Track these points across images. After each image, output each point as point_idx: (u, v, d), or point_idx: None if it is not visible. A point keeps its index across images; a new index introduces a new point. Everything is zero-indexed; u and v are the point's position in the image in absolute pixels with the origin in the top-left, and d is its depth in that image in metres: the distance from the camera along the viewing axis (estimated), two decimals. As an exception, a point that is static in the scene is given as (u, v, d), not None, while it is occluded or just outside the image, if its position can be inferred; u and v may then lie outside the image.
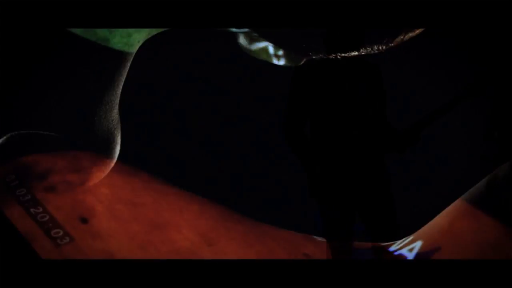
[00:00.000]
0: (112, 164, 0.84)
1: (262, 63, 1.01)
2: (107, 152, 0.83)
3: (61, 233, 0.65)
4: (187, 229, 0.70)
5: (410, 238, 0.72)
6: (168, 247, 0.67)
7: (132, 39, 0.82)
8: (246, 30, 0.85)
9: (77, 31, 0.78)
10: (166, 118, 1.45)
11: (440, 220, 0.71)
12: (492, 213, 0.67)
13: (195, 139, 1.47)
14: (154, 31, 0.86)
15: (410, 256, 0.69)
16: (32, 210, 0.67)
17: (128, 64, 0.86)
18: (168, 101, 1.48)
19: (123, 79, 0.88)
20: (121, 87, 0.87)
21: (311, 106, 1.19)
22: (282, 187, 1.47)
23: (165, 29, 0.91)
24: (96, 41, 0.79)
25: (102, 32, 0.78)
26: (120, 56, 0.81)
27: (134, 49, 0.85)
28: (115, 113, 0.86)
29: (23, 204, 0.66)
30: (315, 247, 0.79)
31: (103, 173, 0.76)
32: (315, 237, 0.95)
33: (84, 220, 0.67)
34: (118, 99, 0.88)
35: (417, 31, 0.82)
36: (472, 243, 0.66)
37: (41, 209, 0.66)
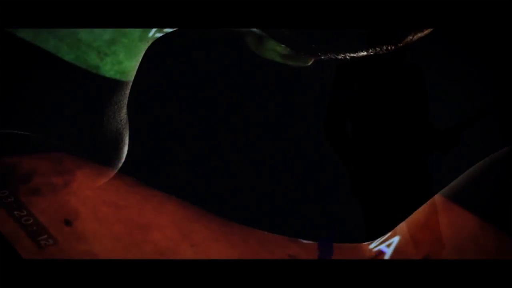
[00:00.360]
0: (120, 165, 0.83)
1: (270, 63, 1.00)
2: (115, 153, 0.82)
3: (45, 235, 0.65)
4: (170, 230, 0.71)
5: (389, 234, 0.72)
6: (151, 248, 0.67)
7: (123, 67, 0.79)
8: (254, 30, 0.84)
9: (68, 57, 0.77)
10: (157, 121, 1.44)
11: (417, 215, 0.72)
12: (468, 207, 0.68)
13: (187, 143, 1.47)
14: (140, 57, 0.84)
15: (388, 251, 0.69)
16: (16, 213, 0.67)
17: (125, 93, 0.84)
18: (162, 103, 1.48)
19: (123, 104, 0.86)
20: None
21: (351, 105, 1.20)
22: (271, 192, 1.47)
23: (164, 32, 0.89)
24: (87, 69, 0.77)
25: (92, 59, 0.77)
26: (113, 84, 0.80)
27: (128, 78, 0.83)
28: (123, 113, 0.85)
29: (6, 206, 0.66)
30: (300, 248, 0.80)
31: (96, 177, 0.75)
32: (300, 239, 0.95)
33: (68, 222, 0.67)
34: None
35: (426, 31, 0.82)
36: (449, 237, 0.66)
37: (25, 212, 0.67)
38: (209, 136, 1.46)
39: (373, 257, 0.70)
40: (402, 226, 0.72)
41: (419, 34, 0.82)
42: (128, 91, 0.86)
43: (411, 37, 0.82)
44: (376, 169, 1.12)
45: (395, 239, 0.69)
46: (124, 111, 0.88)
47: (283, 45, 0.84)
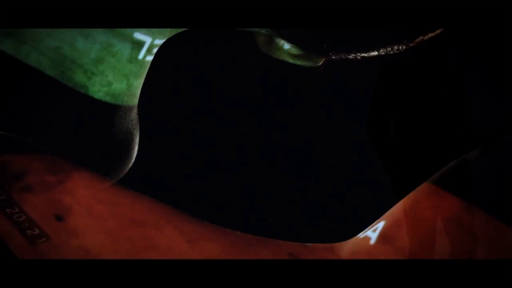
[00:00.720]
0: (130, 165, 0.82)
1: (281, 63, 0.99)
2: (126, 153, 0.80)
3: (37, 231, 0.65)
4: (167, 228, 0.70)
5: (376, 221, 0.72)
6: (145, 243, 0.66)
7: (112, 89, 0.75)
8: (265, 30, 0.83)
9: (51, 72, 0.71)
10: (160, 123, 1.42)
11: (404, 201, 0.71)
12: (453, 191, 0.68)
13: (191, 147, 1.46)
14: (133, 81, 0.80)
15: (374, 236, 0.69)
16: (8, 210, 0.66)
17: (121, 118, 0.81)
18: (168, 103, 1.46)
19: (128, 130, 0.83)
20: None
21: (394, 106, 1.19)
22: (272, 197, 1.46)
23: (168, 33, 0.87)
24: (74, 87, 0.73)
25: (79, 78, 0.73)
26: (104, 107, 0.76)
27: (118, 102, 0.78)
28: (134, 114, 0.83)
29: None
30: (301, 248, 0.79)
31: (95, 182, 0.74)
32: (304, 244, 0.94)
33: (60, 218, 0.66)
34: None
35: (437, 31, 0.82)
36: (432, 220, 0.66)
37: (17, 209, 0.66)
38: (213, 138, 1.45)
39: (359, 242, 0.69)
40: (389, 212, 0.71)
41: (430, 34, 0.82)
42: (127, 115, 0.83)
43: (422, 37, 0.82)
44: (418, 169, 1.12)
45: (380, 224, 0.69)
46: (134, 111, 0.86)
47: (293, 45, 0.83)
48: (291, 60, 0.85)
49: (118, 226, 0.66)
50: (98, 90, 0.76)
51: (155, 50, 0.77)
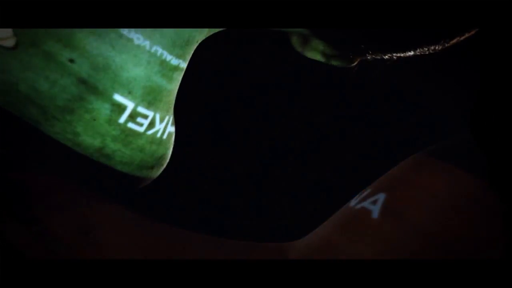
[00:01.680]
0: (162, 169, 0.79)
1: (316, 63, 0.98)
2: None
3: (62, 247, 0.63)
4: (204, 242, 0.67)
5: (368, 190, 0.66)
6: (170, 252, 0.64)
7: (80, 140, 0.67)
8: (300, 30, 0.81)
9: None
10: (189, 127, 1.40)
11: (397, 172, 0.65)
12: (468, 168, 0.63)
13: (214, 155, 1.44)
14: (111, 143, 0.73)
15: (376, 209, 0.63)
16: (33, 227, 0.64)
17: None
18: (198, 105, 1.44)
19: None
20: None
21: (496, 103, 1.19)
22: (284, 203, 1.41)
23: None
24: (21, 117, 0.65)
25: (32, 114, 0.65)
26: (61, 149, 0.68)
27: (86, 153, 0.69)
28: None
29: (23, 220, 0.63)
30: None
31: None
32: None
33: (86, 233, 0.64)
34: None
35: (473, 31, 0.80)
36: (448, 198, 0.61)
37: (42, 226, 0.64)
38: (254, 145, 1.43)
39: (357, 213, 0.65)
40: (384, 183, 0.66)
41: (467, 34, 0.80)
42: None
43: (459, 37, 0.80)
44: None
45: (381, 196, 0.64)
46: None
47: (328, 45, 0.81)
48: (325, 60, 0.82)
49: (147, 240, 0.64)
50: (58, 131, 0.67)
51: (140, 119, 0.70)
